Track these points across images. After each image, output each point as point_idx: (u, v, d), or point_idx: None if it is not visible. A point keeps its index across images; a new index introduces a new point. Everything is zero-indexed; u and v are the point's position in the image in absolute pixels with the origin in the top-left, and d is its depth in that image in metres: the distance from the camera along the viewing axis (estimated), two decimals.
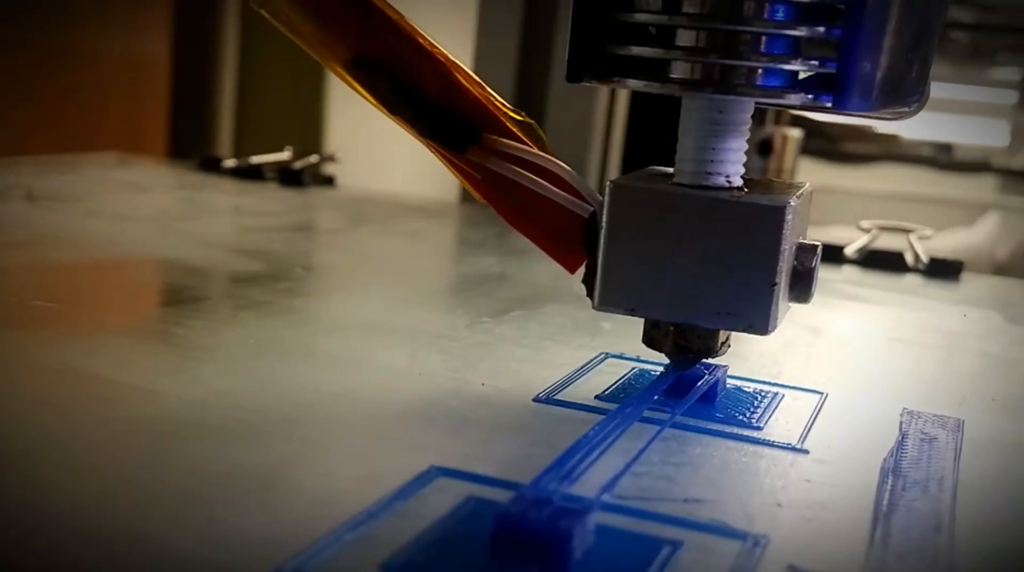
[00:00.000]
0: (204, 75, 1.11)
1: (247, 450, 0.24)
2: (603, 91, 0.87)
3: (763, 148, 0.80)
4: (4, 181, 0.58)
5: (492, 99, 0.29)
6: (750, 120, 0.28)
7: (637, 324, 0.29)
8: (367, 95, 0.28)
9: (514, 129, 0.29)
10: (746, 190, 0.27)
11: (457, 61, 0.29)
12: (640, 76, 0.27)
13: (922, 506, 0.23)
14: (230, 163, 0.70)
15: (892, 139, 1.74)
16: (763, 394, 0.32)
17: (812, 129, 1.67)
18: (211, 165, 0.71)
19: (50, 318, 0.34)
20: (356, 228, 0.60)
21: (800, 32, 0.25)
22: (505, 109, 0.29)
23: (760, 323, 0.26)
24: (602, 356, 0.34)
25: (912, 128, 1.70)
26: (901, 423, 0.29)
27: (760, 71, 0.26)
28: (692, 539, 0.22)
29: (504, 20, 0.89)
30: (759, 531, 0.22)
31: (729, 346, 0.29)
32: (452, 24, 0.93)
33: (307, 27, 0.27)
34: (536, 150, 0.29)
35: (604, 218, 0.27)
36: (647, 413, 0.27)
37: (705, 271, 0.26)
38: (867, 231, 0.66)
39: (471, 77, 0.29)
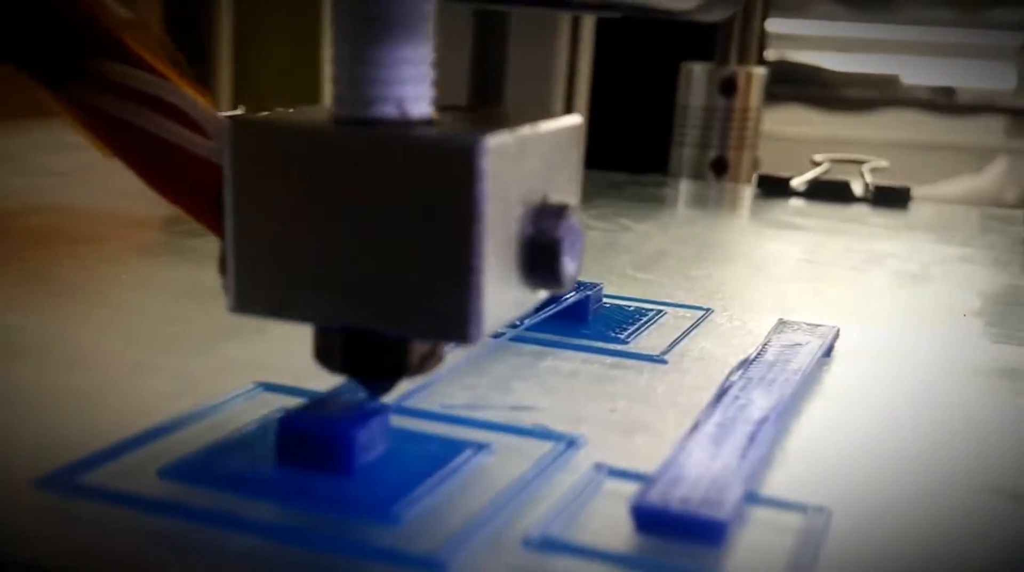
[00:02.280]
0: (200, 40, 1.09)
1: (69, 372, 0.24)
2: (565, 27, 0.86)
3: (725, 87, 0.79)
4: None
5: (101, 5, 0.21)
6: (430, 13, 0.18)
7: None
8: None
9: (137, 48, 0.21)
10: (435, 124, 0.18)
11: None
12: None
13: (754, 402, 0.23)
14: None
15: (892, 84, 1.72)
16: (643, 312, 0.31)
17: (809, 77, 1.66)
18: None
19: None
20: None
21: None
22: (124, 20, 0.22)
23: (457, 327, 0.17)
24: None
25: (914, 72, 1.68)
26: (769, 331, 0.28)
27: None
28: (504, 442, 0.21)
29: None
30: (582, 435, 0.22)
31: (441, 359, 0.19)
32: None
33: None
34: (156, 77, 0.21)
35: (227, 173, 0.18)
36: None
37: (372, 251, 0.17)
38: (818, 164, 0.65)
39: None
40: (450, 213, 0.17)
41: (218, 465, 0.19)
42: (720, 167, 0.75)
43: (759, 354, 0.26)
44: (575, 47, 0.88)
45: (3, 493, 0.18)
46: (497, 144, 0.17)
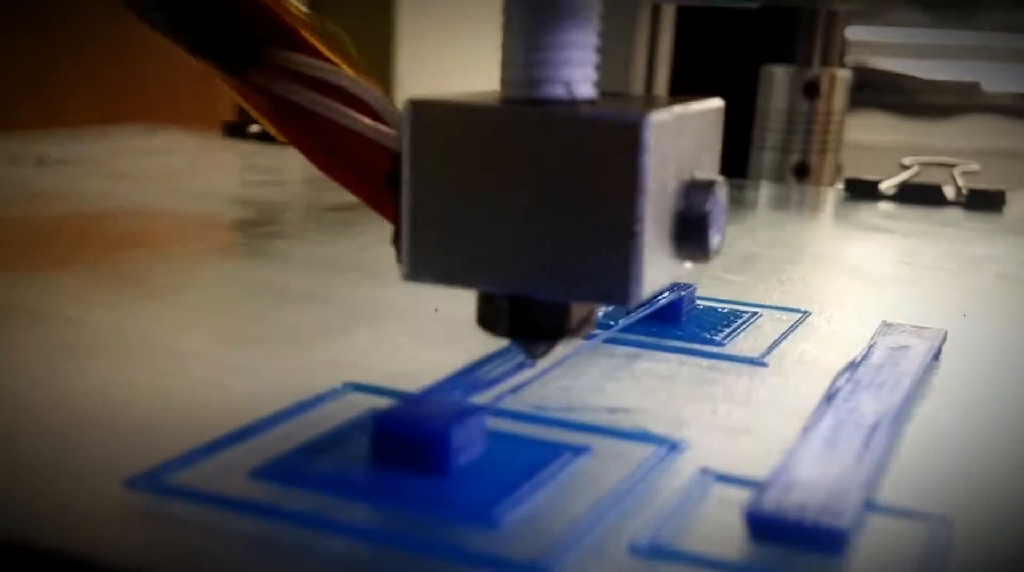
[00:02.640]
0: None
1: (155, 372, 0.24)
2: (643, 30, 0.85)
3: (809, 90, 0.77)
4: (28, 150, 0.59)
5: (283, 3, 0.23)
6: (596, 2, 0.19)
7: None
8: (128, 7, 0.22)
9: (313, 41, 0.23)
10: (598, 104, 0.19)
11: None
12: None
13: (865, 406, 0.21)
14: (255, 128, 0.69)
15: (973, 90, 1.68)
16: (738, 314, 0.30)
17: (889, 83, 1.63)
18: (236, 130, 0.71)
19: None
20: None
21: None
22: (300, 15, 0.23)
23: (619, 290, 0.18)
24: None
25: (995, 78, 1.64)
26: (874, 334, 0.27)
27: None
28: (604, 445, 0.20)
29: None
30: (684, 438, 0.21)
31: (595, 324, 0.21)
32: None
33: None
34: (334, 66, 0.22)
35: (405, 152, 0.19)
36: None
37: (538, 221, 0.18)
38: (907, 168, 0.63)
39: None
40: (615, 184, 0.17)
41: (311, 465, 0.18)
42: (802, 171, 0.74)
43: (865, 357, 0.25)
44: (653, 50, 0.87)
45: (93, 493, 0.17)
46: (659, 121, 0.18)
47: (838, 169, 0.76)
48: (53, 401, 0.22)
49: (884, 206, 0.57)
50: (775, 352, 0.27)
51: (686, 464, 0.20)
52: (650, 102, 0.19)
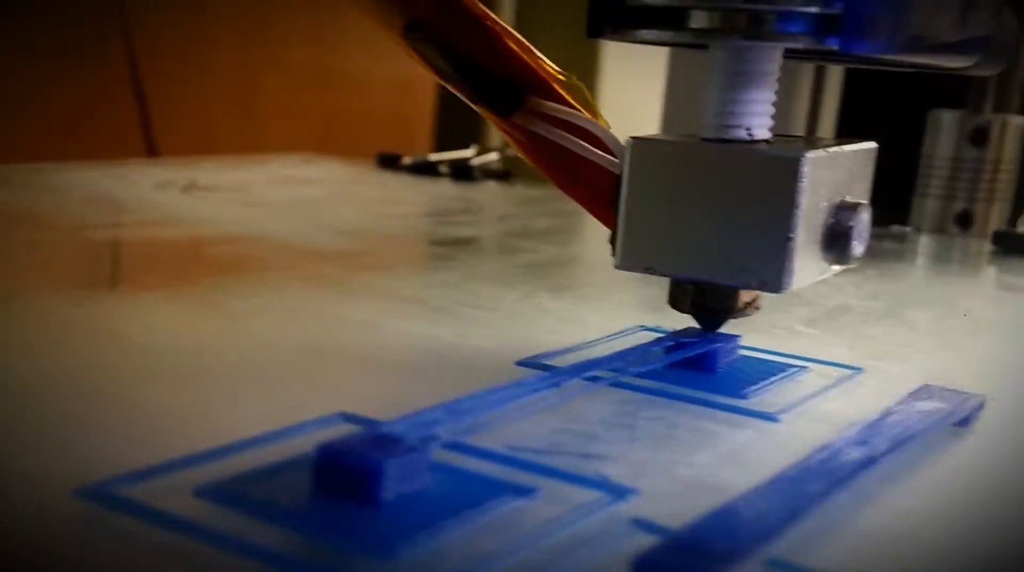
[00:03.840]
0: None
1: (180, 391, 0.25)
2: (806, 79, 0.84)
3: (976, 137, 0.74)
4: (183, 175, 0.62)
5: (541, 64, 0.29)
6: (775, 70, 0.27)
7: None
8: (423, 64, 0.29)
9: (561, 92, 0.29)
10: (771, 143, 0.26)
11: (507, 26, 0.29)
12: (653, 26, 0.26)
13: (829, 467, 0.21)
14: (407, 160, 0.72)
15: None
16: (784, 368, 0.30)
17: None
18: (389, 162, 0.73)
19: (105, 282, 0.37)
20: (488, 216, 0.60)
21: None
22: (554, 73, 0.29)
23: (774, 280, 0.25)
24: (636, 328, 0.33)
25: None
26: (905, 395, 0.26)
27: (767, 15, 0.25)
28: (554, 489, 0.21)
29: None
30: (645, 488, 0.21)
31: (758, 309, 0.29)
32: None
33: None
34: (577, 112, 0.29)
35: (624, 174, 0.27)
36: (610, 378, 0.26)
37: (720, 226, 0.25)
38: None
39: (521, 42, 0.29)
40: (778, 201, 0.25)
41: (254, 489, 0.19)
42: (965, 221, 0.71)
43: (880, 417, 0.24)
44: (819, 92, 0.85)
45: (42, 500, 0.19)
46: (813, 157, 0.25)
47: (1014, 221, 0.72)
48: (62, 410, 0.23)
49: None
50: (799, 409, 0.26)
51: (624, 513, 0.20)
52: (812, 142, 0.26)
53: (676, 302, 0.28)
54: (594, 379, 0.26)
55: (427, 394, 0.23)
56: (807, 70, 0.82)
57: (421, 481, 0.20)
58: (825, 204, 0.26)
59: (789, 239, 0.25)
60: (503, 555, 0.18)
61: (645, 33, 0.26)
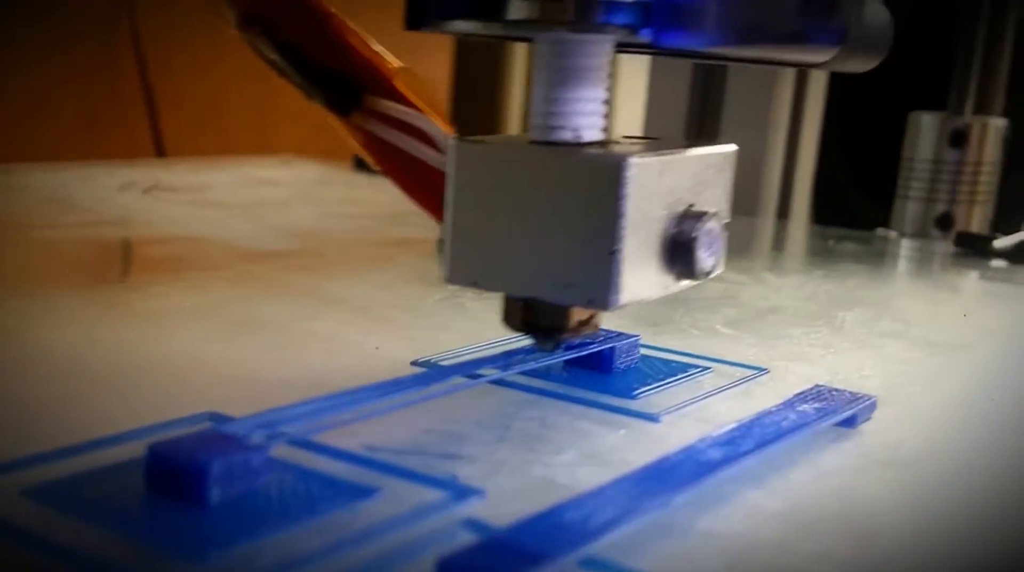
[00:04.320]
0: (492, 83, 1.12)
1: (42, 388, 0.25)
2: (788, 81, 0.83)
3: (956, 139, 0.74)
4: (150, 176, 0.63)
5: (381, 59, 0.29)
6: (604, 65, 0.24)
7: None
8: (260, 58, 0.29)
9: (403, 88, 0.29)
10: (603, 146, 0.23)
11: (348, 21, 0.29)
12: (470, 17, 0.23)
13: (684, 468, 0.21)
14: None
15: None
16: (684, 367, 0.29)
17: None
18: (363, 163, 0.73)
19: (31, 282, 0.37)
20: None
21: None
22: (394, 68, 0.29)
23: (601, 296, 0.22)
24: None
25: None
26: (794, 395, 0.26)
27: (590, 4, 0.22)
28: (399, 490, 0.20)
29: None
30: (494, 488, 0.21)
31: (596, 328, 0.25)
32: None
33: None
34: (414, 110, 0.28)
35: (448, 179, 0.24)
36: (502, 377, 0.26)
37: (545, 238, 0.23)
38: None
39: (360, 37, 0.29)
40: (602, 210, 0.22)
41: (85, 490, 0.19)
42: (945, 223, 0.70)
43: (755, 417, 0.24)
44: (800, 95, 0.85)
45: None
46: (641, 161, 0.22)
47: (993, 224, 0.72)
48: None
49: (995, 264, 0.53)
50: (684, 410, 0.26)
51: (461, 513, 0.19)
52: (651, 145, 0.24)
53: (508, 318, 0.25)
54: (477, 377, 0.26)
55: (308, 392, 0.23)
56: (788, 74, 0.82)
57: (255, 481, 0.20)
58: (664, 213, 0.23)
59: (614, 252, 0.22)
60: (317, 557, 0.17)
61: (462, 24, 0.23)
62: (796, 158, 0.85)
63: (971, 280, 0.50)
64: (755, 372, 0.30)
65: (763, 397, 0.28)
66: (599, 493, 0.19)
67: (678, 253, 0.23)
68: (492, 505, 0.20)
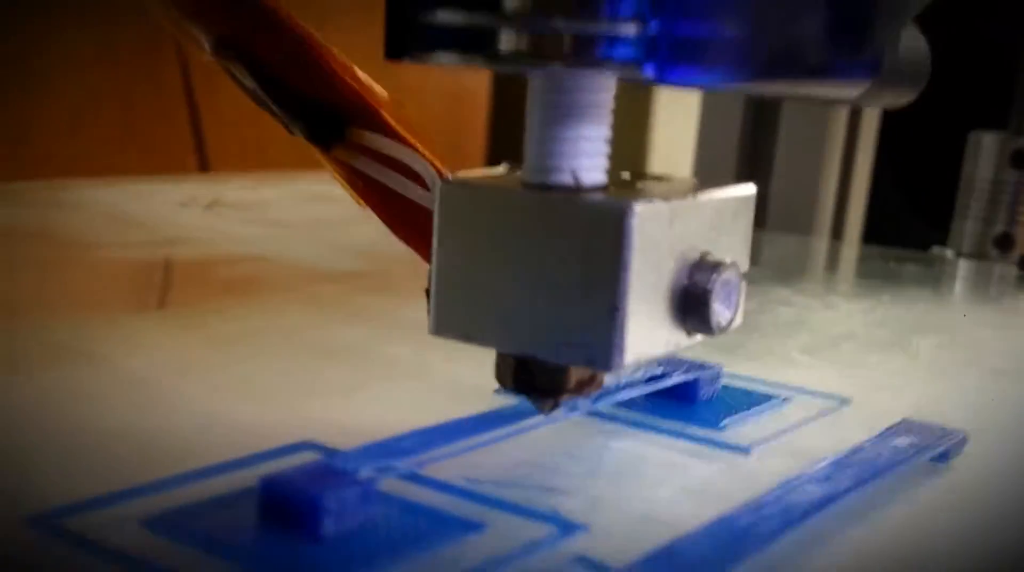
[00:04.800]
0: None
1: (141, 416, 0.26)
2: (838, 140, 0.83)
3: (1017, 159, 0.73)
4: (211, 192, 0.63)
5: (369, 88, 0.26)
6: (606, 101, 0.21)
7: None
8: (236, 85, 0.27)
9: (390, 120, 0.26)
10: (605, 189, 0.21)
11: (330, 47, 0.26)
12: (457, 49, 0.20)
13: (784, 504, 0.21)
14: None
15: None
16: (766, 397, 0.29)
17: None
18: None
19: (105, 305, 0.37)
20: None
21: None
22: (382, 99, 0.26)
23: (602, 357, 0.20)
24: None
25: None
26: (884, 429, 0.26)
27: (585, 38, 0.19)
28: (507, 523, 0.20)
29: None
30: (597, 523, 0.21)
31: (600, 385, 0.23)
32: None
33: (172, 12, 0.26)
34: (400, 144, 0.25)
35: (435, 222, 0.22)
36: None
37: (540, 291, 0.20)
38: None
39: (345, 65, 0.26)
40: (603, 263, 0.20)
41: (202, 521, 0.20)
42: (1005, 244, 0.70)
43: (849, 453, 0.24)
44: (856, 115, 0.84)
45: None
46: (645, 209, 0.19)
47: None
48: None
49: None
50: (773, 441, 0.26)
51: (569, 549, 0.20)
52: (660, 188, 0.21)
53: (500, 376, 0.23)
54: (573, 409, 0.26)
55: (399, 421, 0.23)
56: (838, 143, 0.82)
57: (365, 515, 0.20)
58: (674, 263, 0.21)
59: (616, 309, 0.20)
60: None
61: (447, 56, 0.20)
62: (851, 177, 0.84)
63: None
64: (837, 402, 0.30)
65: (849, 429, 0.27)
66: (709, 531, 0.20)
67: (691, 306, 0.21)
68: (597, 541, 0.20)
